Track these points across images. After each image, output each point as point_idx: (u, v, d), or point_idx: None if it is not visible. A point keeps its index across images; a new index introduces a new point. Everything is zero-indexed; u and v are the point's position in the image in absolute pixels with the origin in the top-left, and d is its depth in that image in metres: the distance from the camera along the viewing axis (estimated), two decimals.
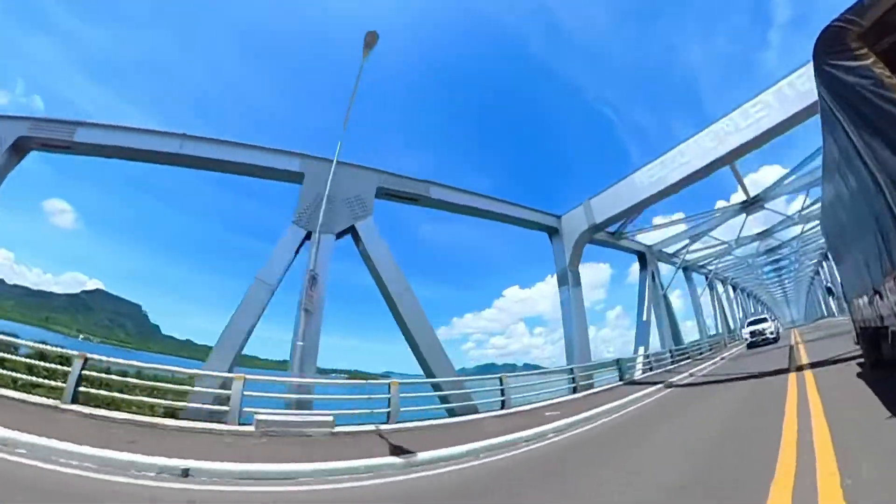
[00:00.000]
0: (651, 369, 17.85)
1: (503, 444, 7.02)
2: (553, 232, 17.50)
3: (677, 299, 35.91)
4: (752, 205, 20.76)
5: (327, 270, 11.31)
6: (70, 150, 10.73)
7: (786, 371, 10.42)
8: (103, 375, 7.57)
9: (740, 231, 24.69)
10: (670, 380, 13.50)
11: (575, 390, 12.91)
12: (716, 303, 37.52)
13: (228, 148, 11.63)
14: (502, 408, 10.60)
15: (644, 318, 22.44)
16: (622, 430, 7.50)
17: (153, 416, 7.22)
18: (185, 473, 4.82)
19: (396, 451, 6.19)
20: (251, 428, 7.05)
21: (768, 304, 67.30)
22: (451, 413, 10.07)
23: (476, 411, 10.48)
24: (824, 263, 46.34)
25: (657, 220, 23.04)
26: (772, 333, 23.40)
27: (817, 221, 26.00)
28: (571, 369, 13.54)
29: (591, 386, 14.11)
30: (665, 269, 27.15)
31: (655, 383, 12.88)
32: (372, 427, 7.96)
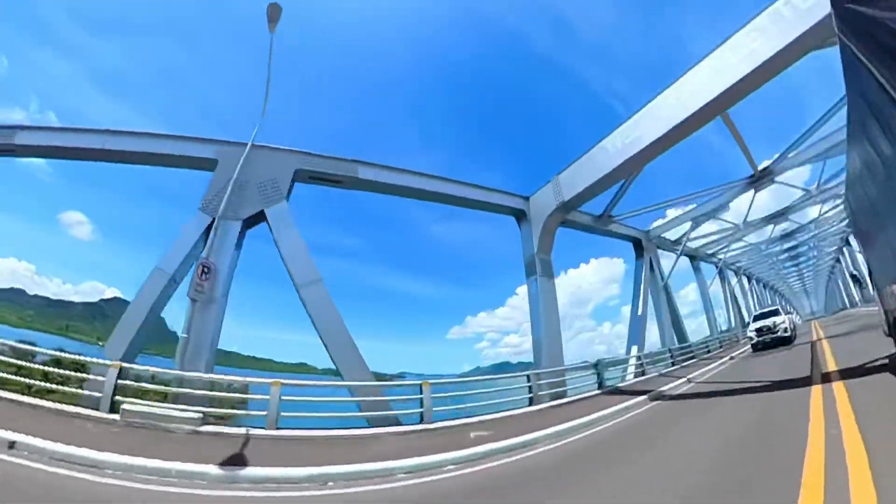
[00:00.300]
0: (643, 373, 15.38)
1: (372, 472, 5.51)
2: (521, 216, 15.08)
3: (692, 292, 33.05)
4: (760, 179, 18.07)
5: (231, 259, 10.39)
6: (14, 153, 11.16)
7: (807, 382, 7.96)
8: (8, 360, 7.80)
9: (748, 210, 21.94)
10: (659, 389, 11.12)
11: (531, 402, 10.59)
12: (728, 294, 34.56)
13: (146, 140, 11.30)
14: (421, 422, 8.73)
15: (639, 312, 19.86)
16: (552, 473, 5.24)
17: (48, 400, 7.19)
18: (12, 445, 5.04)
19: (230, 460, 5.44)
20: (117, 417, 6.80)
21: (786, 295, 63.65)
22: (369, 423, 8.75)
23: (397, 422, 8.96)
24: (845, 250, 42.87)
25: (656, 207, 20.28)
26: (786, 330, 17.96)
27: (836, 201, 23.11)
28: (528, 376, 11.13)
29: (563, 394, 11.84)
30: (671, 259, 24.43)
31: (641, 393, 10.60)
32: (243, 430, 7.08)
